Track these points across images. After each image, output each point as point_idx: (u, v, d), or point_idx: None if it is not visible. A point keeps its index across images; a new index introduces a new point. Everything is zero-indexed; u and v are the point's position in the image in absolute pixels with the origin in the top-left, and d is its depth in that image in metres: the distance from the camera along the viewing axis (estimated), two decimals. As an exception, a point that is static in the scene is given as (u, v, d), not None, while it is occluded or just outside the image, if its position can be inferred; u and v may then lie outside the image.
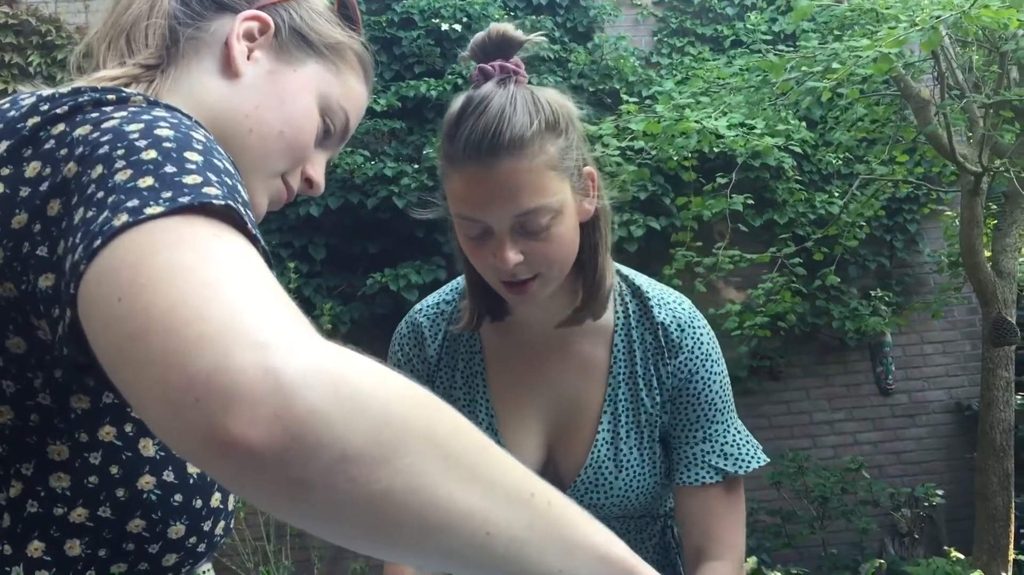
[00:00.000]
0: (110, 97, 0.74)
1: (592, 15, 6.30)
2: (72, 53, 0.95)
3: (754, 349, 5.87)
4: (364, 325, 5.43)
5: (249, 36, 0.92)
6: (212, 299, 0.56)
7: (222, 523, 0.81)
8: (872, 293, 6.04)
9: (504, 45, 1.20)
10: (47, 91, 0.77)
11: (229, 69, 0.90)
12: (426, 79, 5.73)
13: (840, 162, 5.89)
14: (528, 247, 1.17)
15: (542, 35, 1.24)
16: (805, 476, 5.72)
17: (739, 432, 1.36)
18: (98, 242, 0.61)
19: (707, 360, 1.34)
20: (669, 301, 1.36)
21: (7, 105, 0.78)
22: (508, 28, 1.20)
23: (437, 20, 5.83)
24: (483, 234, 1.18)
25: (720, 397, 1.35)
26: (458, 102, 1.18)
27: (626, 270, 1.39)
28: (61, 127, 0.72)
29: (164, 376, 0.54)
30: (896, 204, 6.18)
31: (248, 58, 0.91)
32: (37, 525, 0.73)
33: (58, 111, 0.73)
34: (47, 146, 0.72)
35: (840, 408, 6.27)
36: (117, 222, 0.61)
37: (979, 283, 4.83)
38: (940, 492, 5.80)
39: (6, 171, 0.72)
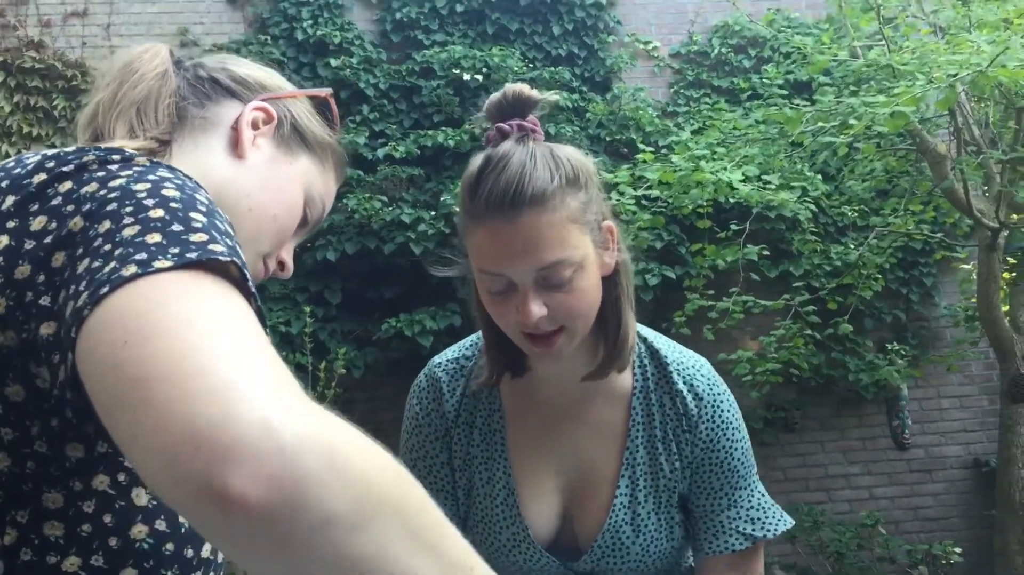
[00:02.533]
0: (114, 157, 0.78)
1: (609, 65, 6.37)
2: (78, 116, 0.99)
3: (769, 400, 5.83)
4: (379, 370, 5.43)
5: (255, 124, 0.99)
6: (219, 356, 0.58)
7: (212, 574, 0.82)
8: (888, 346, 6.01)
9: (520, 104, 1.21)
10: (51, 151, 0.81)
11: (236, 151, 0.96)
12: (444, 129, 5.79)
13: (855, 214, 5.89)
14: (551, 300, 1.17)
15: (555, 94, 1.26)
16: (820, 531, 5.64)
17: (763, 495, 1.36)
18: (105, 289, 0.62)
19: (728, 428, 1.33)
20: (688, 366, 1.35)
21: (12, 163, 0.82)
22: (524, 88, 1.22)
23: (457, 71, 5.90)
24: (506, 289, 1.18)
25: (742, 463, 1.34)
26: (478, 160, 1.19)
27: (645, 331, 1.39)
28: (68, 184, 0.75)
29: (164, 423, 0.55)
30: (912, 257, 6.17)
31: (252, 144, 0.97)
32: (30, 573, 0.73)
33: (64, 169, 0.76)
34: (54, 202, 0.74)
35: (856, 462, 6.20)
36: (126, 272, 0.63)
37: (997, 338, 4.80)
38: (958, 550, 5.70)
39: (11, 224, 0.75)
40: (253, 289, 0.69)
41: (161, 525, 0.77)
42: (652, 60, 6.57)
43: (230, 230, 0.74)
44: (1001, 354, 4.82)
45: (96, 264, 0.66)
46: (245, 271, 0.68)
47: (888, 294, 6.09)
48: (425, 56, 6.03)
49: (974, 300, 5.21)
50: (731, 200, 4.89)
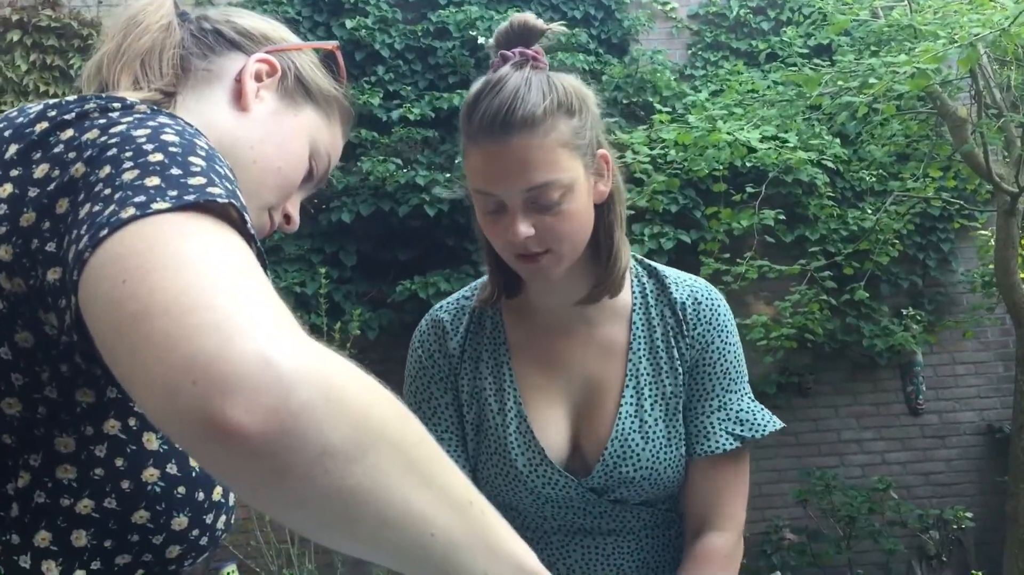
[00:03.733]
0: (115, 104, 0.79)
1: (626, 26, 6.30)
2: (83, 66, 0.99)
3: (783, 365, 5.83)
4: (393, 331, 5.45)
5: (258, 76, 0.98)
6: (219, 291, 0.59)
7: (223, 517, 0.84)
8: (904, 311, 5.98)
9: (525, 33, 1.27)
10: (53, 101, 0.82)
11: (239, 103, 0.96)
12: (459, 91, 5.76)
13: (874, 179, 5.84)
14: (540, 222, 1.22)
15: (561, 25, 1.31)
16: (832, 495, 5.67)
17: (752, 400, 1.41)
18: (104, 232, 0.63)
19: (723, 331, 1.39)
20: (684, 278, 1.42)
21: (15, 113, 0.83)
22: (530, 17, 1.28)
23: (473, 32, 5.86)
24: (498, 209, 1.23)
25: (734, 367, 1.39)
26: (477, 84, 1.25)
27: (639, 256, 1.45)
28: (70, 132, 0.76)
29: (163, 356, 0.56)
30: (930, 223, 6.12)
31: (256, 96, 0.97)
32: (44, 515, 0.75)
33: (66, 117, 0.77)
34: (56, 150, 0.75)
35: (869, 427, 6.20)
36: (124, 215, 0.64)
37: (1013, 304, 4.77)
38: (969, 515, 5.72)
39: (15, 172, 0.76)
40: (253, 231, 0.69)
41: (172, 469, 0.78)
42: (670, 21, 6.49)
43: (230, 175, 0.75)
44: (1017, 320, 4.79)
45: (96, 208, 0.67)
46: (244, 214, 0.69)
47: (905, 259, 6.05)
48: (440, 16, 5.98)
49: (991, 266, 5.18)
50: (747, 164, 4.86)
